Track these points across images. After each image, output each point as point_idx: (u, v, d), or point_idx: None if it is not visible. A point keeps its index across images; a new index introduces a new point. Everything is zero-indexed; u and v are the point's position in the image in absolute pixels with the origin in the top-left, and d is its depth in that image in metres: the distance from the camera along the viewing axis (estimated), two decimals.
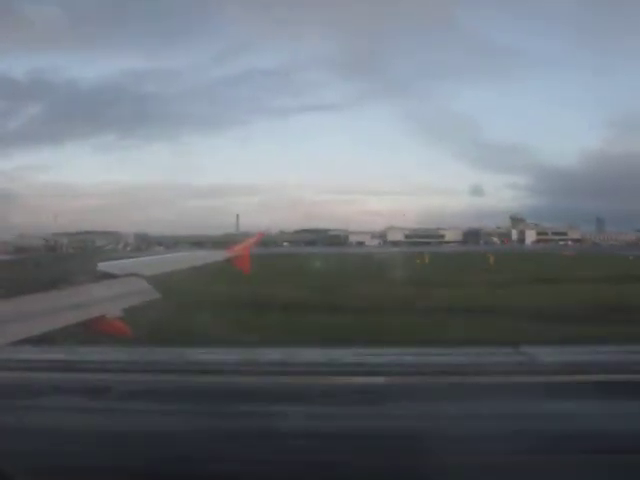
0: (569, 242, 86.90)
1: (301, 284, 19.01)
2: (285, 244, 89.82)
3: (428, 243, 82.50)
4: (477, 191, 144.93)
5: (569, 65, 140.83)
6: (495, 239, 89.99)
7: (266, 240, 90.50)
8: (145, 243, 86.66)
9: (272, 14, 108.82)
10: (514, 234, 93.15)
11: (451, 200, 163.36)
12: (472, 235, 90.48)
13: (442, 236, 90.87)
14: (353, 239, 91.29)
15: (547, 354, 6.70)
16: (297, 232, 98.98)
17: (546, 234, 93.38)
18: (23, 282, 3.11)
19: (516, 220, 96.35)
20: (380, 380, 5.28)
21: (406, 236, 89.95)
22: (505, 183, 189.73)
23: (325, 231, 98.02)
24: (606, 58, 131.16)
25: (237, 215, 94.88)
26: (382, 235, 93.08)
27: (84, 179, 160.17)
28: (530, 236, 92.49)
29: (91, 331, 3.35)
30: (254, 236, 9.70)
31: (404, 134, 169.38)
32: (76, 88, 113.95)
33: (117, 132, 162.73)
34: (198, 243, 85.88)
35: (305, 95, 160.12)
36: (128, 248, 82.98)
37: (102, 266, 3.92)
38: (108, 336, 3.58)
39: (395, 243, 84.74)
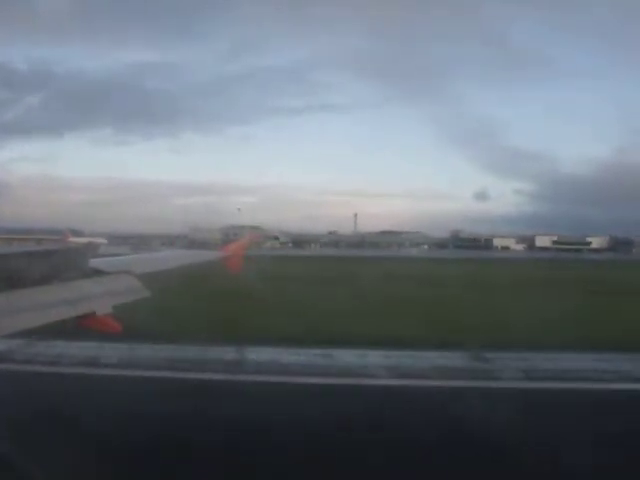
0: None
1: None
2: (425, 247, 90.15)
3: (580, 250, 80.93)
4: (481, 196, 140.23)
5: (590, 75, 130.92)
6: None
7: (375, 242, 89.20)
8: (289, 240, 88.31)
9: (283, 12, 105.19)
10: None
11: (455, 203, 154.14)
12: (621, 243, 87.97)
13: (589, 243, 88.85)
14: (497, 243, 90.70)
15: None
16: (382, 233, 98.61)
17: None
18: (14, 277, 3.08)
19: None
20: None
21: (553, 242, 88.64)
22: (512, 189, 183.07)
23: (409, 233, 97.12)
24: (630, 70, 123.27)
25: (355, 214, 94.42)
26: (527, 240, 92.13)
27: (79, 173, 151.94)
28: None
29: (81, 327, 3.32)
30: (248, 237, 9.57)
31: (414, 136, 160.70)
32: (77, 80, 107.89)
33: (116, 126, 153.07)
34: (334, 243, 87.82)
35: (314, 95, 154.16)
36: (278, 245, 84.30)
37: (94, 263, 3.88)
38: (98, 332, 3.57)
39: (543, 249, 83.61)
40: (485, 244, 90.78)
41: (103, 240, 54.99)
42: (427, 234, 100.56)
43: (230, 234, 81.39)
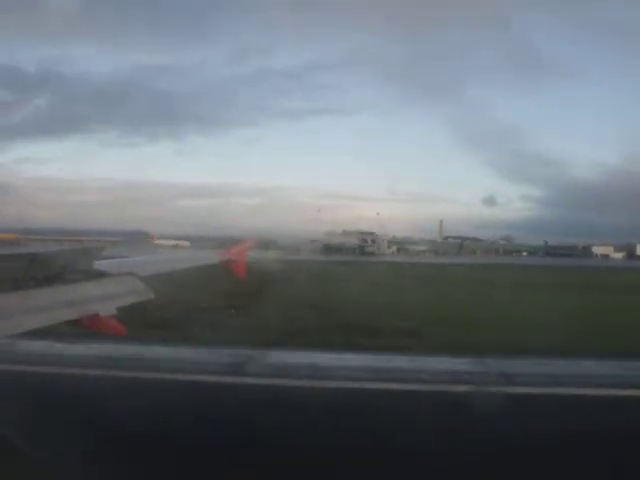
0: None
1: None
2: (524, 254, 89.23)
3: None
4: (489, 201, 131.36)
5: (607, 80, 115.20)
6: None
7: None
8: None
9: (291, 14, 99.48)
10: None
11: (462, 208, 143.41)
12: None
13: None
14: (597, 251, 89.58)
15: None
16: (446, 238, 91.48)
17: None
18: (19, 278, 3.15)
19: None
20: None
21: None
22: (519, 194, 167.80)
23: (472, 239, 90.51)
24: None
25: (441, 221, 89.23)
26: (624, 248, 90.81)
27: (85, 175, 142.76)
28: None
29: (85, 329, 3.36)
30: (250, 240, 9.37)
31: (421, 139, 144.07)
32: (85, 82, 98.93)
33: (122, 128, 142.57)
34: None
35: (319, 98, 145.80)
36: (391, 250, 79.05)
37: (98, 265, 3.95)
38: (102, 334, 3.59)
39: None
40: (583, 252, 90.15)
41: (186, 243, 53.68)
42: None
43: (368, 240, 72.69)
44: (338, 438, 4.83)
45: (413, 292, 19.59)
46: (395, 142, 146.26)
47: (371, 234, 76.10)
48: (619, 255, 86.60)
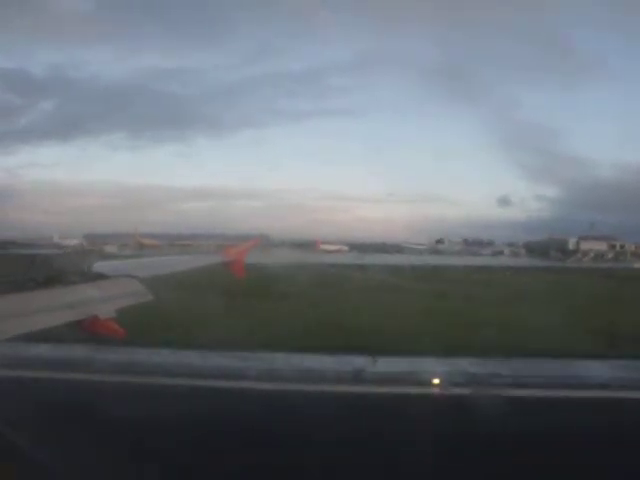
0: None
1: None
2: None
3: None
4: (503, 201, 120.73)
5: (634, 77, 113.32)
6: None
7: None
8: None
9: (301, 15, 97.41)
10: None
11: (472, 209, 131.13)
12: None
13: None
14: None
15: None
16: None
17: None
18: (17, 280, 3.11)
19: None
20: None
21: None
22: (533, 193, 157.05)
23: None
24: None
25: (592, 224, 72.03)
26: None
27: (91, 177, 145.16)
28: None
29: (84, 331, 3.30)
30: (250, 241, 9.39)
31: (431, 139, 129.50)
32: (93, 85, 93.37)
33: (128, 131, 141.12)
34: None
35: (327, 100, 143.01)
36: None
37: (97, 267, 3.91)
38: (101, 336, 3.53)
39: None
40: None
41: (345, 248, 52.30)
42: None
43: (617, 246, 66.68)
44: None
45: None
46: (406, 144, 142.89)
47: (614, 239, 66.52)
48: None
